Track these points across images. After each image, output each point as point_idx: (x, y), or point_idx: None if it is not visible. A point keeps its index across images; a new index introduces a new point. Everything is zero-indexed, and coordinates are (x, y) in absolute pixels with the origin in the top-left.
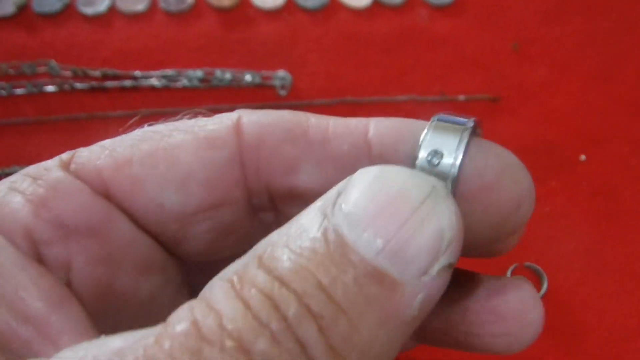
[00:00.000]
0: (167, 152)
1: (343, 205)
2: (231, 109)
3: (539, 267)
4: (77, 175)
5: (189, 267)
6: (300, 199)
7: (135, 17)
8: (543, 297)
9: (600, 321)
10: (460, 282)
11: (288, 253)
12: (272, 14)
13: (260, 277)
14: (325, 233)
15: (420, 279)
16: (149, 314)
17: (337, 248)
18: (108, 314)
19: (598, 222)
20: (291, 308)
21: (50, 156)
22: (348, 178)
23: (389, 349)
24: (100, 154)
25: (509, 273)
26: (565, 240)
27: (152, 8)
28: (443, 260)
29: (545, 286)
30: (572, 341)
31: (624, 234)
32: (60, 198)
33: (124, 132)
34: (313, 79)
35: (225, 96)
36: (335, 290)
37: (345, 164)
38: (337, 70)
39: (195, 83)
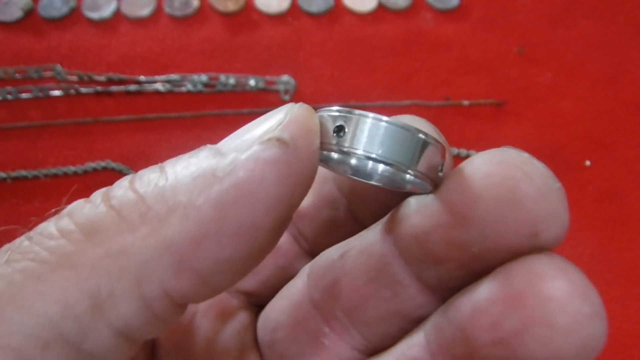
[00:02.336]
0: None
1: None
2: (235, 114)
3: None
4: None
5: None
6: (304, 218)
7: (140, 21)
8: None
9: None
10: None
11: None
12: (277, 19)
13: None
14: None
15: (244, 148)
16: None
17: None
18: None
19: (603, 226)
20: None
21: (56, 160)
22: None
23: (200, 200)
24: None
25: None
26: (571, 244)
27: (157, 13)
28: (269, 134)
29: None
30: None
31: (630, 239)
32: None
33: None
34: (317, 83)
35: (229, 101)
36: (169, 163)
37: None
38: (341, 75)
39: (200, 88)
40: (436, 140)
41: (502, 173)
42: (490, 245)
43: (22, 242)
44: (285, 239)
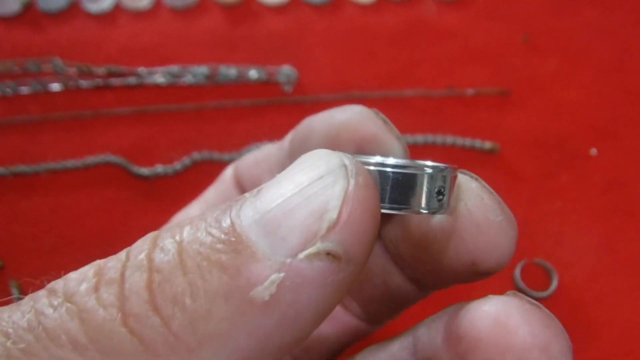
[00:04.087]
0: None
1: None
2: (236, 106)
3: (548, 264)
4: None
5: None
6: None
7: (140, 13)
8: (553, 294)
9: (611, 318)
10: None
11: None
12: (278, 9)
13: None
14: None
15: (285, 259)
16: None
17: (212, 219)
18: None
19: (610, 217)
20: (134, 259)
21: (56, 155)
22: None
23: (234, 331)
24: None
25: (517, 270)
26: (576, 235)
27: (157, 4)
28: (319, 245)
29: (555, 283)
30: (583, 339)
31: (637, 229)
32: None
33: None
34: (319, 73)
35: (230, 92)
36: (186, 249)
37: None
38: (343, 65)
39: (201, 79)
40: (439, 170)
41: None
42: (440, 266)
43: (25, 334)
44: None
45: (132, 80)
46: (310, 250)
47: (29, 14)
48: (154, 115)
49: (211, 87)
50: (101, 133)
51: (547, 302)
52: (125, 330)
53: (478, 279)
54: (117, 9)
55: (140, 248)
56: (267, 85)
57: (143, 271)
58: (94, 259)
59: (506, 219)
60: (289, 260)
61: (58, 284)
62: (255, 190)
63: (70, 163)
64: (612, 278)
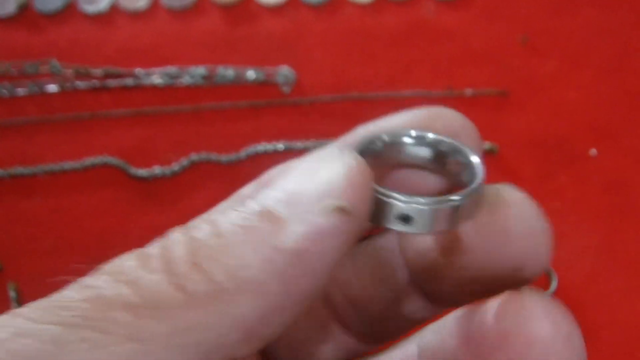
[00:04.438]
0: None
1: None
2: (234, 107)
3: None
4: None
5: None
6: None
7: (137, 14)
8: (552, 295)
9: (611, 319)
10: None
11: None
12: (276, 10)
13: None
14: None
15: (304, 215)
16: None
17: (233, 198)
18: None
19: (609, 218)
20: (175, 237)
21: (54, 156)
22: None
23: (267, 277)
24: None
25: None
26: (576, 236)
27: (154, 5)
28: (330, 202)
29: (554, 284)
30: (583, 339)
31: (636, 230)
32: None
33: None
34: (318, 74)
35: (228, 93)
36: (219, 220)
37: None
38: (342, 66)
39: (198, 80)
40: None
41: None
42: (479, 272)
43: (82, 304)
44: None
45: (129, 81)
46: (327, 204)
47: (25, 15)
48: (151, 116)
49: (209, 88)
50: (99, 134)
51: None
52: (171, 287)
53: (512, 288)
54: (113, 10)
55: (172, 232)
56: (265, 86)
57: (182, 243)
58: (92, 261)
59: (547, 225)
60: (309, 216)
61: (102, 267)
62: (263, 183)
63: (68, 164)
64: (612, 279)
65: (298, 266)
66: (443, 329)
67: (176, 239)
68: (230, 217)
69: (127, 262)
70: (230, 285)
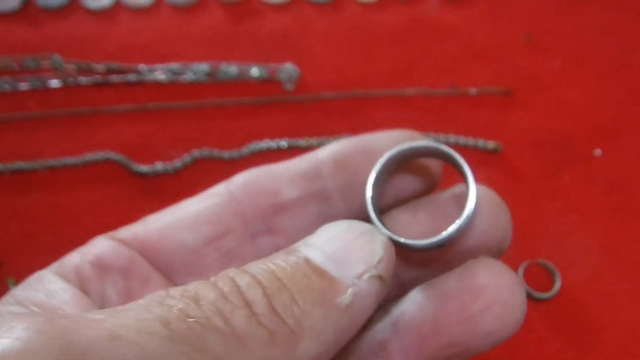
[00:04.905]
0: (180, 207)
1: (308, 240)
2: (237, 103)
3: (551, 264)
4: (113, 238)
5: None
6: (287, 212)
7: (140, 10)
8: (556, 295)
9: (614, 319)
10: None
11: (260, 264)
12: (279, 7)
13: (235, 273)
14: (288, 253)
15: (354, 279)
16: None
17: (294, 258)
18: None
19: (613, 217)
20: (244, 280)
21: (55, 152)
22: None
23: (325, 327)
24: (136, 226)
25: (520, 270)
26: (579, 236)
27: (157, 1)
28: (373, 271)
29: (558, 284)
30: (586, 339)
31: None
32: (98, 247)
33: None
34: (321, 72)
35: (231, 90)
36: (283, 274)
37: (313, 179)
38: (345, 63)
39: (201, 77)
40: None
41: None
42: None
43: (189, 326)
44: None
45: (132, 77)
46: (372, 273)
47: (28, 11)
48: (154, 112)
49: (212, 85)
50: (100, 130)
51: (550, 304)
52: (255, 324)
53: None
54: (117, 6)
55: (234, 277)
56: (269, 83)
57: (255, 287)
58: None
59: (504, 207)
60: (357, 280)
61: (169, 290)
62: (303, 242)
63: (69, 160)
64: (615, 279)
65: (347, 319)
66: (415, 297)
67: (248, 282)
68: (293, 269)
69: (203, 292)
70: (298, 330)
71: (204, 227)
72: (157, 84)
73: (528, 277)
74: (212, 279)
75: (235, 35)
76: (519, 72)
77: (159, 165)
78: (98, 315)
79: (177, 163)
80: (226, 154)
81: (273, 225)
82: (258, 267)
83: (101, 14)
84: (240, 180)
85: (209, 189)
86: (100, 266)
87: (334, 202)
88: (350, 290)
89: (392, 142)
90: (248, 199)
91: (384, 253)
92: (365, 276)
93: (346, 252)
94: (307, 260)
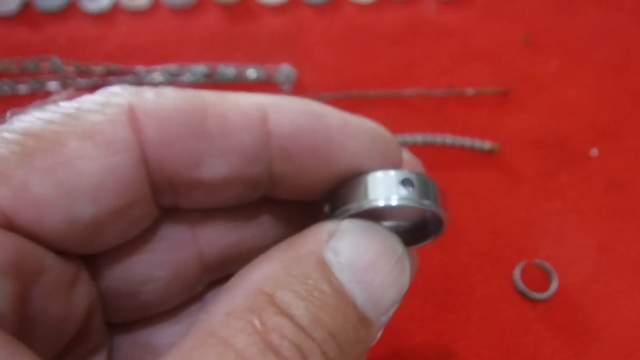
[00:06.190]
0: (68, 166)
1: (341, 259)
2: None
3: (548, 265)
4: None
5: (102, 272)
6: (205, 188)
7: (138, 12)
8: (553, 296)
9: (612, 319)
10: None
11: (302, 301)
12: (277, 8)
13: (286, 326)
14: (330, 284)
15: (382, 319)
16: (65, 329)
17: (340, 299)
18: (30, 332)
19: (611, 217)
20: (315, 356)
21: None
22: (337, 224)
23: None
24: None
25: (517, 271)
26: (577, 236)
27: (155, 3)
28: (396, 306)
29: (555, 284)
30: (584, 340)
31: (637, 230)
32: None
33: None
34: (318, 73)
35: (229, 91)
36: (342, 336)
37: (248, 155)
38: (343, 64)
39: (199, 78)
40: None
41: None
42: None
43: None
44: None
45: (130, 79)
46: (392, 310)
47: (27, 13)
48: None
49: (210, 86)
50: None
51: (547, 304)
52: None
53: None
54: (115, 8)
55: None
56: (266, 84)
57: (282, 316)
58: None
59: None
60: (384, 318)
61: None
62: (331, 249)
63: None
64: (613, 279)
65: (366, 353)
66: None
67: (277, 317)
68: (347, 327)
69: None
70: None
71: (107, 196)
72: (156, 86)
73: (525, 278)
74: (256, 333)
75: (233, 37)
76: (517, 72)
77: None
78: None
79: None
80: None
81: (181, 201)
82: (309, 321)
83: (99, 16)
84: (155, 130)
85: (103, 118)
86: None
87: (260, 189)
88: (380, 333)
89: (361, 150)
90: (163, 162)
91: (409, 285)
92: (391, 312)
93: (383, 289)
94: (354, 307)
